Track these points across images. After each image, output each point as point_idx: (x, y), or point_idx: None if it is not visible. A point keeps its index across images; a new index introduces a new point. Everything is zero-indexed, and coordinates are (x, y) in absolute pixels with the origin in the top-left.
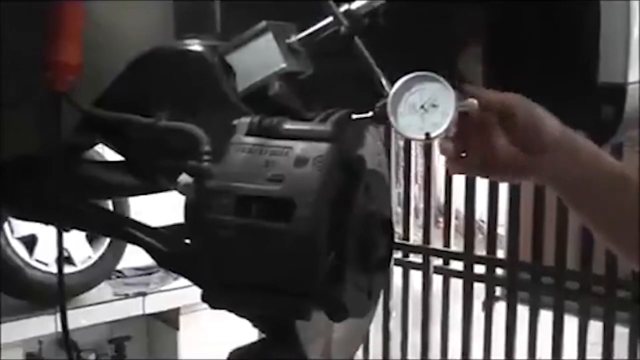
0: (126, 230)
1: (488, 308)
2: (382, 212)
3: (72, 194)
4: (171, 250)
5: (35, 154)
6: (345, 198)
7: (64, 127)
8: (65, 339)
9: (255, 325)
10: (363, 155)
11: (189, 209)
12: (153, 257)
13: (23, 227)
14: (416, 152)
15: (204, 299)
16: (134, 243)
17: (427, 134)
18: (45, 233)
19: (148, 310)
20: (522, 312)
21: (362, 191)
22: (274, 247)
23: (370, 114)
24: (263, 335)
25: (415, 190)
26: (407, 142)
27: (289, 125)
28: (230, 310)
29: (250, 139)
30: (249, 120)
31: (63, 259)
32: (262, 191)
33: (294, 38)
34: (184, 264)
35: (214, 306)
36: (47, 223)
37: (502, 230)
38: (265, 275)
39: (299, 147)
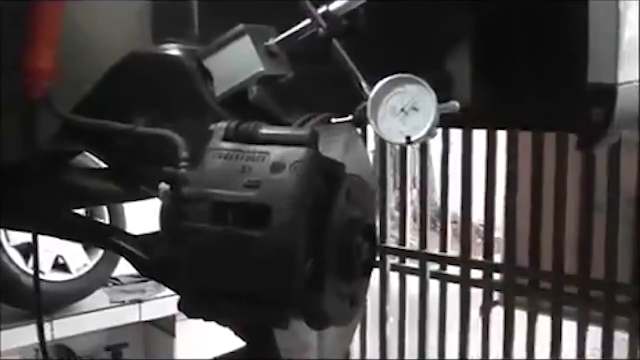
0: (107, 238)
1: (486, 313)
2: (365, 218)
3: (54, 201)
4: (152, 259)
5: (13, 161)
6: (325, 204)
7: (44, 134)
8: (40, 342)
9: (236, 334)
10: (343, 160)
11: (164, 216)
12: (134, 265)
13: (19, 236)
14: (414, 156)
15: (180, 307)
16: (115, 251)
17: (408, 138)
18: (42, 241)
19: (144, 318)
20: (521, 317)
21: (343, 197)
22: (250, 254)
23: (350, 118)
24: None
25: (414, 195)
26: (403, 146)
27: (266, 130)
28: (207, 320)
29: (227, 145)
30: (226, 125)
31: (39, 266)
32: (239, 198)
33: (272, 41)
34: (164, 272)
35: (190, 315)
36: (27, 231)
37: (499, 234)
38: (242, 283)
39: (276, 153)
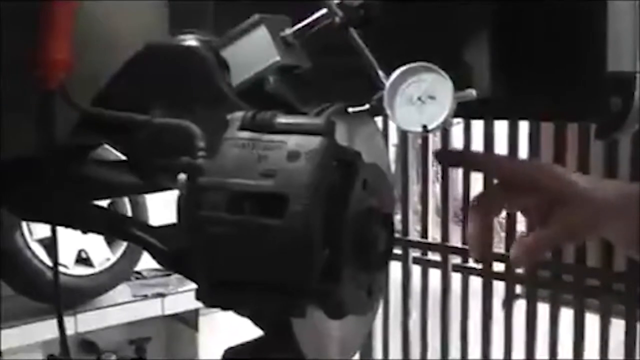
0: (126, 230)
1: (508, 306)
2: (382, 207)
3: (73, 193)
4: (171, 249)
5: (32, 153)
6: (341, 193)
7: (61, 127)
8: (61, 336)
9: (255, 324)
10: (359, 149)
11: (181, 206)
12: (154, 256)
13: (42, 230)
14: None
15: (198, 296)
16: (134, 242)
17: (425, 126)
18: (65, 235)
19: (167, 312)
20: (543, 309)
21: (360, 186)
22: (266, 243)
23: (366, 106)
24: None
25: (436, 188)
26: (425, 139)
27: (282, 119)
28: (224, 309)
29: (244, 134)
30: (242, 114)
31: (58, 258)
32: (255, 186)
33: (288, 31)
34: (183, 263)
35: (207, 304)
36: (47, 223)
37: (522, 227)
38: (259, 272)
39: (292, 141)
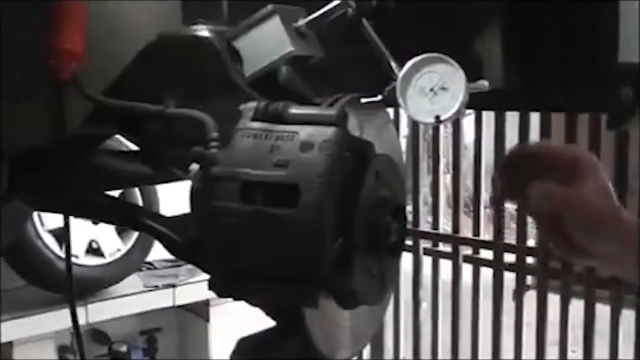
0: (139, 220)
1: (518, 297)
2: (394, 198)
3: (85, 184)
4: (184, 239)
5: (45, 144)
6: (353, 183)
7: (73, 117)
8: (74, 326)
9: (267, 314)
10: (371, 139)
11: (194, 196)
12: (166, 246)
13: (54, 220)
14: (446, 140)
15: (211, 286)
16: (147, 232)
17: (437, 117)
18: (76, 226)
19: (178, 302)
20: (553, 300)
21: (372, 176)
22: (279, 233)
23: (379, 97)
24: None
25: (447, 179)
26: (436, 131)
27: (295, 110)
28: (237, 299)
29: (256, 124)
30: (255, 105)
31: (70, 248)
32: (267, 177)
33: (301, 21)
34: (196, 253)
35: (220, 294)
36: (59, 213)
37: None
38: (271, 262)
39: (304, 132)
